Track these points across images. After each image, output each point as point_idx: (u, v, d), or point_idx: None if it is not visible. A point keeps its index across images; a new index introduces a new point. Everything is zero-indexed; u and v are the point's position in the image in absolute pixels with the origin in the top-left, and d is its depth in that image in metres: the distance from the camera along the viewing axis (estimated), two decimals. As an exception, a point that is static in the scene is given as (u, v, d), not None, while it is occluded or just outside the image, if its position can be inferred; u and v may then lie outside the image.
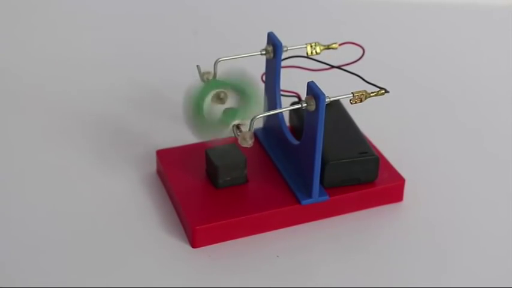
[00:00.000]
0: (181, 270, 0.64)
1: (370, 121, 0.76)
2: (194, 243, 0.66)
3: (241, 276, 0.64)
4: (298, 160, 0.68)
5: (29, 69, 0.87)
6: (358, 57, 0.73)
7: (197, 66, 0.68)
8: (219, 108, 0.67)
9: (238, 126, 0.65)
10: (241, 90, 0.66)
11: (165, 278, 0.63)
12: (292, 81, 0.73)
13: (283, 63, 0.70)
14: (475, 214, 0.70)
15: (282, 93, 0.71)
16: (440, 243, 0.67)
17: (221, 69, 0.67)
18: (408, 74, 0.89)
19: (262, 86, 0.72)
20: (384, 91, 0.66)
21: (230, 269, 0.64)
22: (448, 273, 0.65)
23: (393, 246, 0.67)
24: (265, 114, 0.69)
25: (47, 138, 0.77)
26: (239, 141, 0.64)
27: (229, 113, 0.66)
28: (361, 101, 0.65)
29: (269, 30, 0.70)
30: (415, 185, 0.71)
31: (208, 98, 0.66)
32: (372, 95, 0.65)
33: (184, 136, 0.73)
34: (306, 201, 0.67)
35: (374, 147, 0.73)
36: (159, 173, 0.72)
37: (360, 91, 0.65)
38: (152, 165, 0.73)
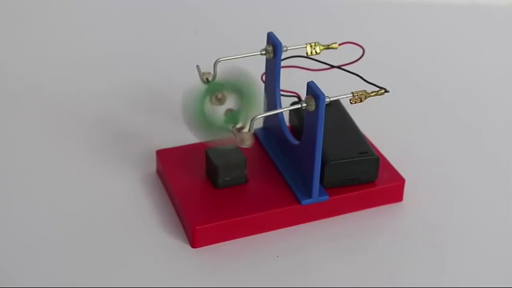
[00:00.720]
0: (181, 270, 0.64)
1: (370, 121, 0.76)
2: (194, 243, 0.66)
3: (241, 276, 0.64)
4: (298, 160, 0.68)
5: (29, 69, 0.87)
6: (358, 57, 0.73)
7: (197, 66, 0.68)
8: (218, 109, 0.67)
9: (237, 128, 0.65)
10: (240, 92, 0.66)
11: (165, 278, 0.63)
12: (292, 81, 0.73)
13: (283, 63, 0.69)
14: (475, 214, 0.70)
15: (282, 93, 0.71)
16: (440, 244, 0.67)
17: (221, 70, 0.67)
18: (408, 74, 0.89)
19: (262, 86, 0.72)
20: (383, 91, 0.66)
21: (230, 269, 0.64)
22: (448, 273, 0.65)
23: (393, 246, 0.67)
24: (265, 114, 0.69)
25: (47, 138, 0.77)
26: (238, 142, 0.64)
27: (230, 115, 0.65)
28: (361, 101, 0.65)
29: (269, 30, 0.70)
30: (415, 185, 0.71)
31: (207, 100, 0.66)
32: (371, 94, 0.65)
33: (184, 136, 0.73)
34: (306, 201, 0.67)
35: (374, 147, 0.73)
36: (159, 173, 0.72)
37: (360, 91, 0.65)
38: (152, 165, 0.73)
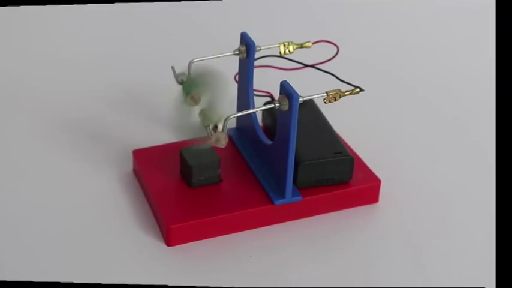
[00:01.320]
0: (156, 268, 0.64)
1: (345, 121, 0.75)
2: (169, 241, 0.66)
3: (214, 274, 0.64)
4: (272, 160, 0.68)
5: (12, 70, 0.88)
6: (331, 56, 0.72)
7: (172, 67, 0.68)
8: (195, 109, 0.67)
9: (212, 127, 0.65)
10: (206, 83, 0.66)
11: (141, 275, 0.64)
12: (266, 80, 0.73)
13: (256, 63, 0.69)
14: (451, 215, 0.70)
15: (255, 93, 0.71)
16: (416, 244, 0.67)
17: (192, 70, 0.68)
18: (383, 72, 0.89)
19: (234, 85, 0.73)
20: (358, 90, 0.65)
21: (204, 268, 0.65)
22: (423, 273, 0.65)
23: (369, 247, 0.67)
24: (238, 114, 0.68)
25: (25, 138, 0.77)
26: (213, 142, 0.64)
27: (202, 113, 0.66)
28: (335, 100, 0.65)
29: (244, 30, 0.70)
30: (390, 185, 0.71)
31: (184, 101, 0.67)
32: (346, 93, 0.65)
33: (160, 136, 0.73)
34: (279, 202, 0.67)
35: (349, 147, 0.73)
36: (136, 172, 0.73)
37: (334, 90, 0.64)
38: (129, 165, 0.74)
